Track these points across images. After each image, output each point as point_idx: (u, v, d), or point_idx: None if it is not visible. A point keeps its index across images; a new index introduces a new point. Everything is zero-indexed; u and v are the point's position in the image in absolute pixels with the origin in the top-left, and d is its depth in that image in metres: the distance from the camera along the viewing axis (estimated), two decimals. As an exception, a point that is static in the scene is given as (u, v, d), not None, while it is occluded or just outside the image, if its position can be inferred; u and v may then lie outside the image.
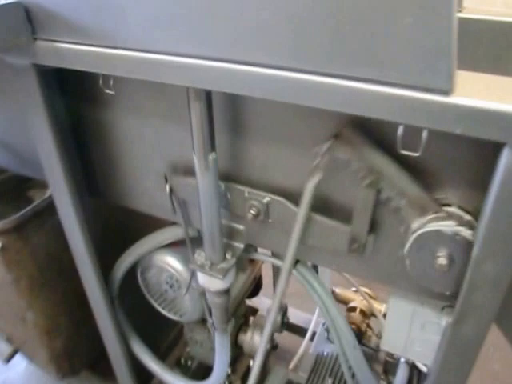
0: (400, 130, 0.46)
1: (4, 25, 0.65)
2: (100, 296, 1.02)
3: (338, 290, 1.39)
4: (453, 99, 0.40)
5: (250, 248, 0.84)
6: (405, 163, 0.56)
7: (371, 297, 1.38)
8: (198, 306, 1.00)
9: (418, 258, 0.57)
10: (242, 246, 0.79)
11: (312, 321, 1.42)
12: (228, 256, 0.78)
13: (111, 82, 0.67)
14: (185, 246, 1.00)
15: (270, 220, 0.71)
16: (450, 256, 0.54)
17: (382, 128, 0.56)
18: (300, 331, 1.51)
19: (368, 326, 1.34)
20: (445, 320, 0.70)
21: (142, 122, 0.77)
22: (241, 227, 0.78)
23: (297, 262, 0.82)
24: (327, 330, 1.37)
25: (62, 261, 1.15)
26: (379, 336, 1.33)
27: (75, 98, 0.82)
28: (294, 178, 0.68)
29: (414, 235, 0.55)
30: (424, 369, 1.10)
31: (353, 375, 0.89)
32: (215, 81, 0.53)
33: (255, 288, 1.32)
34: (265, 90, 0.50)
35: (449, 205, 0.56)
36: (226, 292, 0.84)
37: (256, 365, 0.88)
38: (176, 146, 0.76)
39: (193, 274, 0.92)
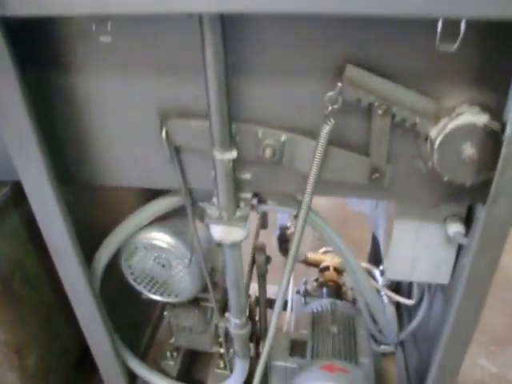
0: (440, 24, 0.53)
1: None
2: (85, 291, 0.95)
3: (308, 255, 1.45)
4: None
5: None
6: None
7: (341, 255, 1.47)
8: (197, 278, 0.99)
9: (446, 155, 0.64)
10: (249, 195, 0.80)
11: (289, 291, 1.45)
12: (241, 205, 0.79)
13: (108, 27, 0.64)
14: (169, 219, 0.99)
15: (283, 160, 0.73)
16: (477, 145, 0.62)
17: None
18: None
19: (343, 284, 1.42)
20: (451, 230, 0.79)
21: (130, 77, 0.74)
22: (247, 176, 0.79)
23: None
24: (304, 296, 1.42)
25: (25, 267, 1.05)
26: (352, 290, 1.41)
27: (39, 64, 0.75)
28: (307, 115, 0.71)
29: (441, 136, 0.63)
30: (409, 302, 1.19)
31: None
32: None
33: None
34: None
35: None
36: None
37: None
38: (171, 96, 0.74)
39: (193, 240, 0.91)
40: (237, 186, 0.79)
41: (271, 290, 1.60)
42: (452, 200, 0.75)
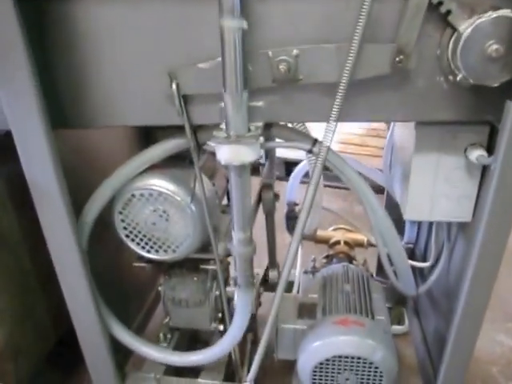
0: None
1: None
2: (70, 245, 0.93)
3: (318, 232, 1.45)
4: None
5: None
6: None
7: (350, 231, 1.48)
8: (198, 228, 0.97)
9: (471, 53, 0.66)
10: (260, 123, 0.81)
11: (296, 272, 1.44)
12: (252, 127, 0.79)
13: None
14: (167, 167, 0.98)
15: (300, 76, 0.74)
16: (504, 42, 0.64)
17: None
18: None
19: (354, 257, 1.42)
20: (473, 155, 0.80)
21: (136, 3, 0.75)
22: (259, 104, 0.79)
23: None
24: (312, 272, 1.41)
25: (3, 227, 1.03)
26: (364, 264, 1.42)
27: None
28: (323, 27, 0.72)
29: (471, 27, 0.64)
30: (425, 265, 1.20)
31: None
32: None
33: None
34: None
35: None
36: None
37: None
38: (185, 29, 0.75)
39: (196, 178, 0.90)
40: (248, 116, 0.79)
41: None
42: (472, 116, 0.76)
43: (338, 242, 1.42)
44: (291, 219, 1.42)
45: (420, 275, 1.24)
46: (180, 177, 0.97)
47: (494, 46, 0.64)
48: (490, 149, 0.82)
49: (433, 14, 0.69)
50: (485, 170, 0.85)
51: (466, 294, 0.89)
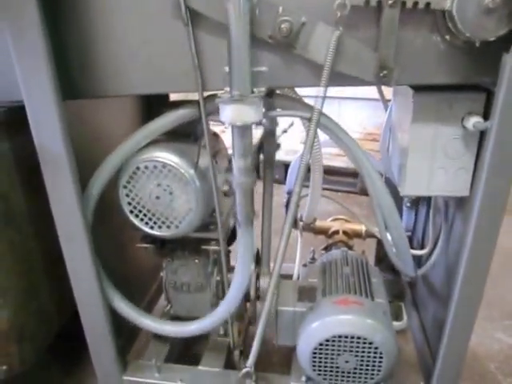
0: None
1: None
2: (75, 217, 0.94)
3: (317, 222, 1.46)
4: None
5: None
6: None
7: (349, 221, 1.49)
8: (201, 199, 0.98)
9: (467, 10, 0.69)
10: (263, 89, 0.83)
11: (295, 264, 1.44)
12: (255, 90, 0.81)
13: None
14: (171, 141, 1.00)
15: (296, 46, 0.77)
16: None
17: None
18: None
19: (352, 247, 1.42)
20: (470, 123, 0.83)
21: None
22: (262, 68, 0.82)
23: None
24: (311, 263, 1.41)
25: (10, 202, 1.03)
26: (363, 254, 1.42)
27: None
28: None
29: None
30: (422, 252, 1.20)
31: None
32: None
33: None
34: None
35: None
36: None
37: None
38: None
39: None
40: (252, 79, 0.82)
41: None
42: (469, 78, 0.79)
43: (336, 232, 1.42)
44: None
45: (417, 263, 1.25)
46: (184, 150, 0.99)
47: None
48: (487, 116, 0.84)
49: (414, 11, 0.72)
50: (481, 141, 0.87)
51: (463, 275, 0.90)
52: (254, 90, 0.81)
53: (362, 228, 1.43)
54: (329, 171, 1.92)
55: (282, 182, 1.97)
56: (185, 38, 0.80)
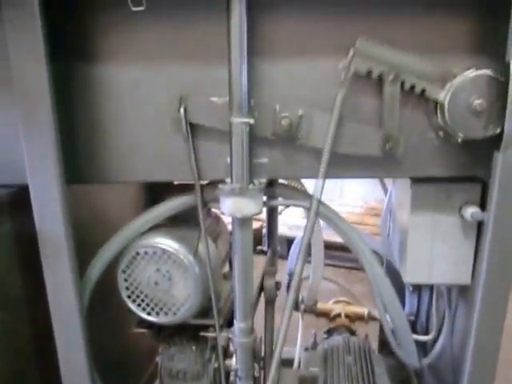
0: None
1: None
2: (72, 302, 0.91)
3: (318, 305, 1.42)
4: None
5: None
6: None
7: (350, 304, 1.45)
8: (200, 290, 0.97)
9: (457, 111, 0.71)
10: (264, 180, 0.84)
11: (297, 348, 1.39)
12: (256, 182, 0.82)
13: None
14: (172, 226, 1.00)
15: (299, 135, 0.79)
16: (484, 95, 0.70)
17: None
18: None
19: (355, 331, 1.38)
20: (468, 213, 0.83)
21: (153, 66, 0.81)
22: (263, 160, 0.83)
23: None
24: (313, 348, 1.37)
25: (5, 284, 1.02)
26: (366, 340, 1.37)
27: (61, 54, 0.82)
28: (323, 92, 0.79)
29: (450, 93, 0.71)
30: (427, 338, 1.16)
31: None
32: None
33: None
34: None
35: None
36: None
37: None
38: (193, 83, 0.81)
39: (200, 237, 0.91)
40: (252, 171, 0.83)
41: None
42: (463, 171, 0.80)
43: (338, 316, 1.39)
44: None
45: (422, 349, 1.20)
46: (184, 236, 0.98)
47: (477, 101, 0.70)
48: (484, 206, 0.84)
49: (412, 94, 0.75)
50: (480, 229, 0.86)
51: (469, 369, 0.87)
52: (255, 181, 0.82)
53: (365, 311, 1.39)
54: (331, 246, 1.90)
55: (285, 257, 1.95)
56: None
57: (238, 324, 0.94)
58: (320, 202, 0.83)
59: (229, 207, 0.81)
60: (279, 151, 0.83)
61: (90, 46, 0.82)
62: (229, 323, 1.15)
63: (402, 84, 0.74)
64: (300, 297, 1.37)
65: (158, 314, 1.00)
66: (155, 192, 1.06)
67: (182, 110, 0.80)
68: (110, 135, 0.87)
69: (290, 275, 1.39)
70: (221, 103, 0.79)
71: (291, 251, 1.37)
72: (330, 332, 1.37)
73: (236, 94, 0.76)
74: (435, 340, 1.11)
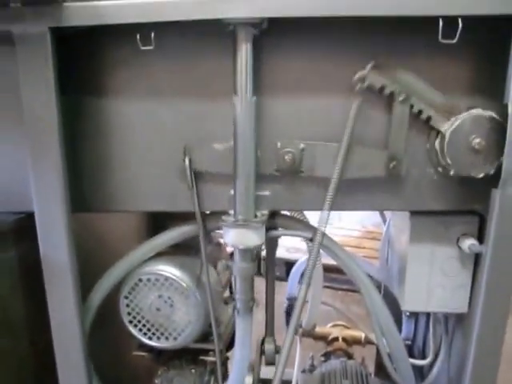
0: (441, 22, 0.66)
1: None
2: (74, 328, 0.91)
3: (316, 329, 1.43)
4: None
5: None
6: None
7: (348, 328, 1.46)
8: (201, 316, 0.97)
9: (456, 147, 0.73)
10: (266, 212, 0.85)
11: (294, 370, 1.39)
12: (258, 214, 0.83)
13: (152, 35, 0.76)
14: (175, 255, 1.01)
15: (302, 168, 0.81)
16: (484, 136, 0.72)
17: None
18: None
19: (352, 354, 1.38)
20: (465, 244, 0.85)
21: (160, 102, 0.83)
22: (266, 193, 0.85)
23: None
24: (310, 370, 1.37)
25: (8, 309, 1.02)
26: (363, 363, 1.38)
27: (70, 87, 0.83)
28: (324, 126, 0.80)
29: (453, 127, 0.72)
30: (423, 363, 1.17)
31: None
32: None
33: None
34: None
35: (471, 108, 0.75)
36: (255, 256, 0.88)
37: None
38: (197, 122, 0.83)
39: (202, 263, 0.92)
40: (255, 203, 0.84)
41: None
42: (461, 206, 0.82)
43: (336, 339, 1.39)
44: (291, 315, 1.40)
45: (419, 373, 1.20)
46: (186, 264, 0.99)
47: (476, 140, 0.72)
48: (481, 238, 0.86)
49: (417, 120, 0.77)
50: (477, 259, 0.88)
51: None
52: (257, 213, 0.83)
53: (362, 335, 1.39)
54: (328, 269, 1.92)
55: (284, 279, 1.96)
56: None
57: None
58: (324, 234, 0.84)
59: (231, 239, 0.82)
60: (282, 184, 0.84)
61: (99, 80, 0.84)
62: (228, 346, 1.16)
63: (411, 107, 0.75)
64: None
65: (158, 338, 1.00)
66: (158, 218, 1.07)
67: (187, 161, 0.82)
68: (114, 167, 0.88)
69: (290, 299, 1.40)
70: (223, 149, 0.81)
71: (291, 276, 1.38)
72: (327, 355, 1.37)
73: (240, 129, 0.78)
74: (432, 364, 1.12)
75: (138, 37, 0.76)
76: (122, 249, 0.99)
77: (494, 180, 0.73)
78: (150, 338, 1.01)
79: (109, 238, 1.19)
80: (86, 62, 0.83)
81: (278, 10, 0.70)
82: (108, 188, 0.89)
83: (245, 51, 0.74)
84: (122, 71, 0.82)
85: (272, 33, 0.76)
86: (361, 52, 0.76)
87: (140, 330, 1.00)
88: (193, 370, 1.13)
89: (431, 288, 0.92)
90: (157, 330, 1.00)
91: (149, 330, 1.00)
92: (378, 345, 0.95)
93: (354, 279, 0.92)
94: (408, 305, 0.94)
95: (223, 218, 0.83)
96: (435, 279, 0.92)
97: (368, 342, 1.38)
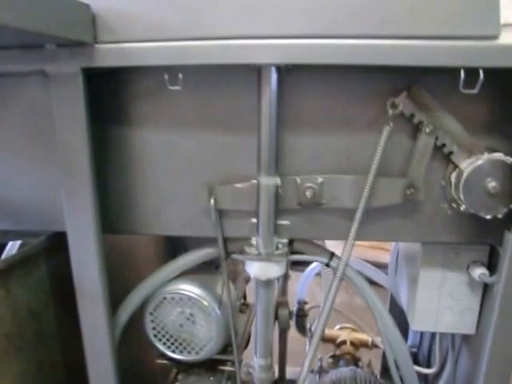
0: (462, 73, 0.68)
1: (66, 25, 0.72)
2: (104, 341, 0.96)
3: (325, 331, 1.48)
4: (501, 41, 0.64)
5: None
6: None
7: (356, 331, 1.51)
8: (222, 332, 1.02)
9: (472, 187, 0.76)
10: (285, 240, 0.89)
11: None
12: (279, 246, 0.87)
13: (180, 76, 0.78)
14: (198, 273, 1.05)
15: (323, 201, 0.84)
16: (501, 180, 0.75)
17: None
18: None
19: (359, 358, 1.44)
20: (476, 273, 0.89)
21: (186, 134, 0.86)
22: (285, 222, 0.88)
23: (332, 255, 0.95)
24: (319, 372, 1.43)
25: (42, 320, 1.07)
26: (369, 366, 1.44)
27: (101, 118, 0.87)
28: (343, 161, 0.84)
29: (472, 166, 0.75)
30: (429, 371, 1.23)
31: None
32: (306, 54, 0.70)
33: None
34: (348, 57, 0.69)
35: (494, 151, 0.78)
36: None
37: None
38: (224, 154, 0.86)
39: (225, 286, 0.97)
40: (275, 231, 0.88)
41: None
42: (474, 240, 0.85)
43: (344, 342, 1.45)
44: (300, 317, 1.46)
45: (424, 380, 1.26)
46: (208, 282, 1.04)
47: (492, 184, 0.75)
48: (491, 266, 0.90)
49: (437, 153, 0.81)
50: (486, 284, 0.92)
51: None
52: (278, 244, 0.87)
53: (369, 339, 1.45)
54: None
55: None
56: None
57: (258, 361, 1.00)
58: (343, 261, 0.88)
59: (254, 271, 0.87)
60: (302, 214, 0.88)
61: (124, 110, 0.87)
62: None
63: (436, 138, 0.78)
64: (308, 324, 1.44)
65: (181, 352, 1.06)
66: (179, 238, 1.11)
67: (212, 201, 0.86)
68: (139, 193, 0.92)
69: (299, 303, 1.45)
70: (246, 188, 0.85)
71: (301, 281, 1.42)
72: (335, 357, 1.43)
73: (264, 160, 0.81)
74: (437, 374, 1.17)
75: (166, 77, 0.79)
76: (145, 264, 1.03)
77: (505, 220, 0.77)
78: (173, 352, 1.06)
79: (132, 255, 1.23)
80: (112, 93, 0.86)
81: (305, 56, 0.72)
82: (133, 212, 0.93)
83: (269, 92, 0.76)
84: (147, 103, 0.85)
85: (296, 70, 0.79)
86: (381, 89, 0.79)
87: (164, 343, 1.06)
88: (211, 378, 1.19)
89: (440, 310, 0.97)
90: (180, 344, 1.05)
91: (172, 344, 1.05)
92: (387, 354, 0.99)
93: (364, 300, 0.96)
94: (417, 325, 0.99)
95: (246, 249, 0.87)
96: (444, 302, 0.96)
97: (374, 345, 1.44)
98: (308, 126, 0.83)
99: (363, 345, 1.46)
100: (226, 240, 0.94)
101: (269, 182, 0.81)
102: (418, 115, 0.77)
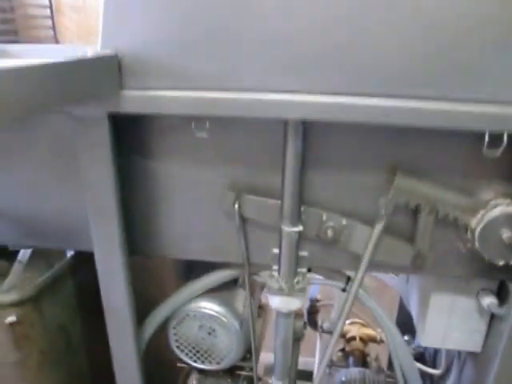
0: (487, 136, 0.70)
1: (93, 77, 0.73)
2: (131, 354, 1.03)
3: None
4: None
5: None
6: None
7: (365, 326, 1.58)
8: (242, 345, 1.08)
9: (487, 240, 0.78)
10: (305, 270, 0.93)
11: (315, 363, 1.54)
12: (299, 278, 0.91)
13: (207, 125, 0.80)
14: (218, 290, 1.10)
15: (340, 240, 0.87)
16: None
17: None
18: (304, 375, 1.60)
19: (368, 353, 1.52)
20: (485, 301, 0.93)
21: (211, 167, 0.88)
22: (304, 254, 0.92)
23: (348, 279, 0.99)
24: (329, 366, 1.51)
25: (70, 333, 1.14)
26: (377, 360, 1.52)
27: (127, 151, 0.89)
28: (365, 203, 0.86)
29: (481, 224, 0.78)
30: (435, 372, 1.30)
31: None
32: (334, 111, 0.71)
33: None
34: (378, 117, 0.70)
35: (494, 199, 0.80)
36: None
37: None
38: (246, 185, 0.88)
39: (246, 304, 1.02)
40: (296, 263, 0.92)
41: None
42: (486, 275, 0.89)
43: (353, 338, 1.52)
44: (312, 314, 1.53)
45: (430, 381, 1.34)
46: (228, 298, 1.09)
47: (508, 234, 0.78)
48: (500, 294, 0.94)
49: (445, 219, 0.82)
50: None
51: None
52: (298, 275, 0.91)
53: (377, 335, 1.52)
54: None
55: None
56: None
57: (276, 382, 1.06)
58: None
59: (276, 304, 0.91)
60: (320, 247, 0.91)
61: (149, 146, 0.89)
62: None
63: (437, 212, 0.81)
64: (319, 321, 1.51)
65: (203, 362, 1.12)
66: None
67: (236, 206, 0.88)
68: (163, 219, 0.95)
69: (312, 301, 1.51)
70: (272, 203, 0.87)
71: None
72: (344, 352, 1.51)
73: (287, 204, 0.84)
74: (442, 376, 1.24)
75: (192, 125, 0.80)
76: (168, 281, 1.08)
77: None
78: (195, 361, 1.13)
79: (158, 274, 1.28)
80: (137, 127, 0.87)
81: (331, 113, 0.72)
82: (157, 237, 0.97)
83: (294, 144, 0.78)
84: (171, 141, 0.88)
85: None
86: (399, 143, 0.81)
87: (186, 354, 1.12)
88: (229, 380, 1.26)
89: (449, 330, 1.02)
90: (202, 355, 1.11)
91: (194, 354, 1.12)
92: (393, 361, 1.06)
93: (382, 329, 1.02)
94: (427, 341, 1.05)
95: (268, 282, 0.91)
96: (453, 323, 1.01)
97: (383, 341, 1.51)
98: (331, 166, 0.85)
99: (372, 340, 1.53)
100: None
101: (291, 229, 0.84)
102: (412, 201, 0.80)
